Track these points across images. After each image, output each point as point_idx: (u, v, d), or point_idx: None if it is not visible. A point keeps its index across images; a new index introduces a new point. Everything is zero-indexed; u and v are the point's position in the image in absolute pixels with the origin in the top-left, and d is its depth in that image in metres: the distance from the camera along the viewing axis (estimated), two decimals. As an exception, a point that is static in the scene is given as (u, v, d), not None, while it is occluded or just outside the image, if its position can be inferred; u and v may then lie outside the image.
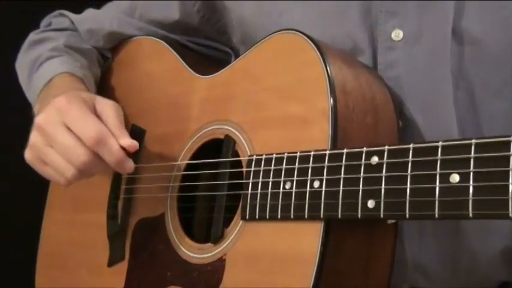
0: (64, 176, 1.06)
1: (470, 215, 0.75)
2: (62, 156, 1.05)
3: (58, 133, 1.04)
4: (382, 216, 0.82)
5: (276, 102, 0.98)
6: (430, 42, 1.01)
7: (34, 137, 1.08)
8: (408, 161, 0.81)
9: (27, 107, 1.27)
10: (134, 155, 1.18)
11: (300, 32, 0.98)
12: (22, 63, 1.34)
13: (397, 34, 1.02)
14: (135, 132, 1.20)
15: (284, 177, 0.92)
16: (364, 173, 0.85)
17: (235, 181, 1.00)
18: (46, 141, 1.06)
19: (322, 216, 0.87)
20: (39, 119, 1.07)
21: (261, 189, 0.95)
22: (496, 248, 1.02)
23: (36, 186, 1.39)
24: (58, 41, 1.30)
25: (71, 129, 1.04)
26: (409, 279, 1.05)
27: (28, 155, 1.10)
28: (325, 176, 0.88)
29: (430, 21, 1.01)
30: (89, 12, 1.37)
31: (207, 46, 1.30)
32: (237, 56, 1.23)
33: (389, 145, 0.84)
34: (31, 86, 1.28)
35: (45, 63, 1.25)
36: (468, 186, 0.75)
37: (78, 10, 1.38)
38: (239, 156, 1.01)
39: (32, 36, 1.37)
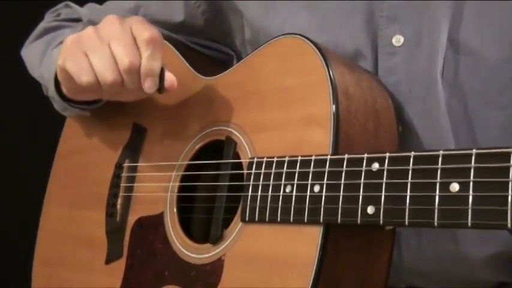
0: (83, 77, 1.04)
1: (469, 224, 0.75)
2: (100, 62, 1.03)
3: (102, 43, 1.04)
4: (381, 222, 0.83)
5: (278, 105, 0.99)
6: (427, 48, 1.01)
7: (86, 33, 1.05)
8: (409, 169, 0.81)
9: (28, 107, 1.25)
10: (135, 154, 1.19)
11: (303, 36, 0.98)
12: (35, 45, 1.31)
13: (398, 39, 1.03)
14: (137, 131, 1.20)
15: (285, 180, 0.93)
16: (364, 179, 0.85)
17: (236, 183, 1.01)
18: (91, 44, 1.04)
19: (321, 220, 0.88)
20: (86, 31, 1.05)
21: (262, 191, 0.95)
22: (491, 251, 1.02)
23: (36, 184, 1.39)
24: (77, 28, 1.27)
25: (110, 46, 1.03)
26: (406, 280, 1.06)
27: (72, 38, 1.06)
28: (325, 181, 0.88)
29: (427, 26, 1.01)
30: (91, 7, 1.35)
31: (209, 47, 1.29)
32: (239, 58, 1.23)
33: (390, 152, 0.84)
34: (48, 57, 1.24)
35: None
36: (468, 196, 0.76)
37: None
38: (240, 158, 1.02)
39: (45, 24, 1.35)
